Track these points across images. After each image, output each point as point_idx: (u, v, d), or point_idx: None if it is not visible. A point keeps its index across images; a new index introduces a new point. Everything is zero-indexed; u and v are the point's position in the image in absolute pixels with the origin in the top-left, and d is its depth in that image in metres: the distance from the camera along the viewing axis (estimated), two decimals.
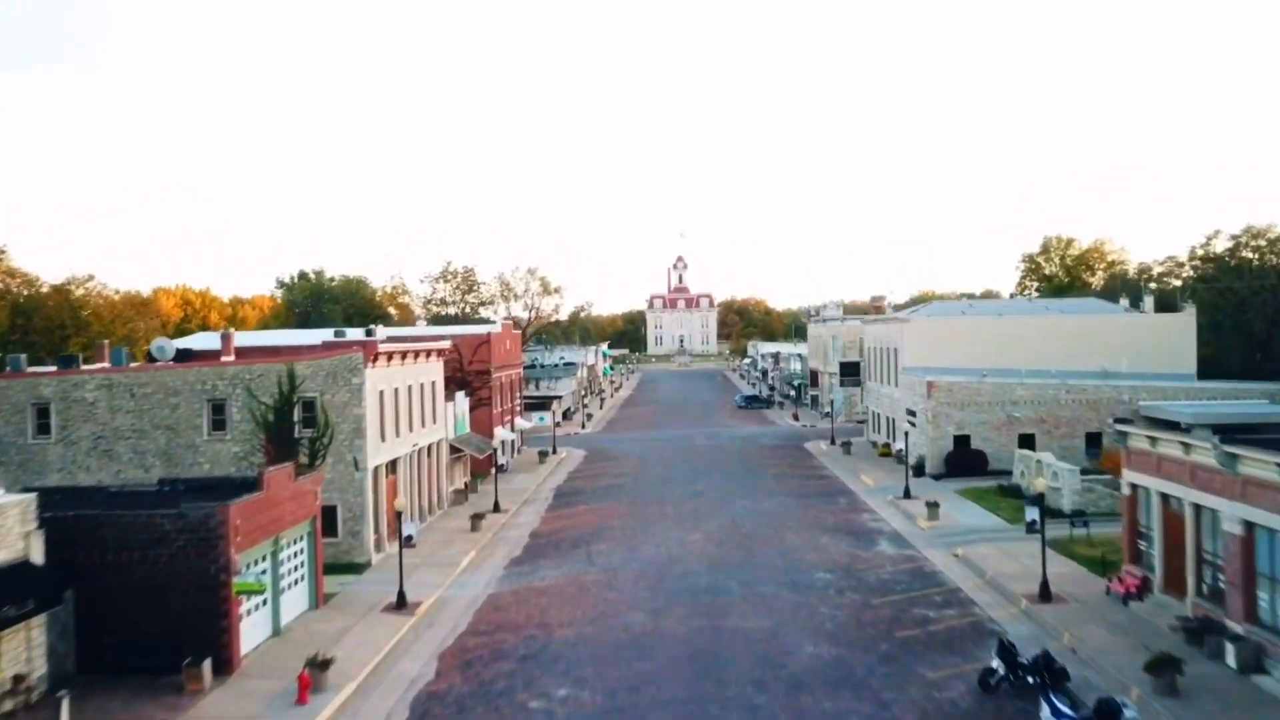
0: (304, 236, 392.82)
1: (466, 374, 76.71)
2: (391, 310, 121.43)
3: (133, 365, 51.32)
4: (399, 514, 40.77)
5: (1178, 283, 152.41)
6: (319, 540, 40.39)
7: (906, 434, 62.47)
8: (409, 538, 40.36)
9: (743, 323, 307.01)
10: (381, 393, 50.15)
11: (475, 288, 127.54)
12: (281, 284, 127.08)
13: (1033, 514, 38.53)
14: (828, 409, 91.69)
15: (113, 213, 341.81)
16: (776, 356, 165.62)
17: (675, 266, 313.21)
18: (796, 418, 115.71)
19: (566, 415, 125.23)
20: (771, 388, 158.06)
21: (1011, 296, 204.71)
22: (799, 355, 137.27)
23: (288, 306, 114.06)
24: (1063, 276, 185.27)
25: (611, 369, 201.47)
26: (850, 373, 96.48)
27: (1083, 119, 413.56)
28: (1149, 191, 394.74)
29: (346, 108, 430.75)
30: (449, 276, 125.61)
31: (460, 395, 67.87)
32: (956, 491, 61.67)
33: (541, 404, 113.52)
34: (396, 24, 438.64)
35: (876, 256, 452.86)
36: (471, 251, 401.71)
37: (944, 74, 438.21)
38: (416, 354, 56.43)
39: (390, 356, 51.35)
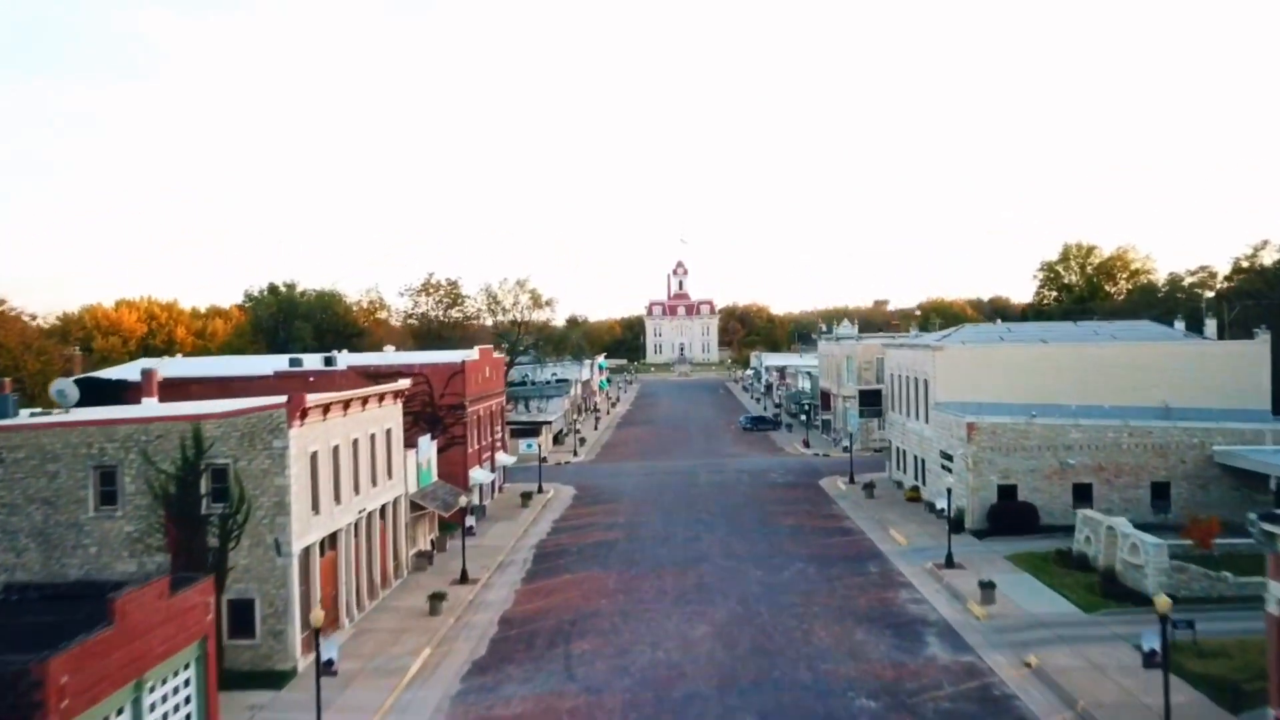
0: (298, 242, 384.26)
1: (437, 409, 67.40)
2: (369, 325, 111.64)
3: (7, 422, 41.93)
4: (317, 631, 31.32)
5: (1210, 294, 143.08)
6: (212, 666, 30.99)
7: (949, 492, 52.95)
8: (329, 662, 30.96)
9: (745, 330, 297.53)
10: (314, 454, 40.77)
11: (460, 301, 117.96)
12: (250, 298, 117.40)
13: (1152, 642, 29.01)
14: (845, 442, 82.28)
15: (78, 220, 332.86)
16: (782, 371, 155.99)
17: (675, 272, 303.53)
18: (807, 444, 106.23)
19: (557, 439, 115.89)
20: (778, 405, 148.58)
21: (1029, 307, 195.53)
22: (808, 373, 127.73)
23: (253, 324, 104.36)
24: (1083, 286, 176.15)
25: (608, 382, 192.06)
26: (871, 403, 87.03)
27: (1081, 118, 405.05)
28: (1150, 192, 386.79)
29: (344, 113, 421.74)
30: (431, 289, 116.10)
31: (424, 440, 58.41)
32: (1007, 557, 52.31)
33: (530, 430, 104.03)
34: (401, 31, 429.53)
35: (878, 259, 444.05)
36: (471, 253, 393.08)
37: (941, 74, 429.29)
38: (365, 400, 47.02)
39: (327, 409, 41.92)
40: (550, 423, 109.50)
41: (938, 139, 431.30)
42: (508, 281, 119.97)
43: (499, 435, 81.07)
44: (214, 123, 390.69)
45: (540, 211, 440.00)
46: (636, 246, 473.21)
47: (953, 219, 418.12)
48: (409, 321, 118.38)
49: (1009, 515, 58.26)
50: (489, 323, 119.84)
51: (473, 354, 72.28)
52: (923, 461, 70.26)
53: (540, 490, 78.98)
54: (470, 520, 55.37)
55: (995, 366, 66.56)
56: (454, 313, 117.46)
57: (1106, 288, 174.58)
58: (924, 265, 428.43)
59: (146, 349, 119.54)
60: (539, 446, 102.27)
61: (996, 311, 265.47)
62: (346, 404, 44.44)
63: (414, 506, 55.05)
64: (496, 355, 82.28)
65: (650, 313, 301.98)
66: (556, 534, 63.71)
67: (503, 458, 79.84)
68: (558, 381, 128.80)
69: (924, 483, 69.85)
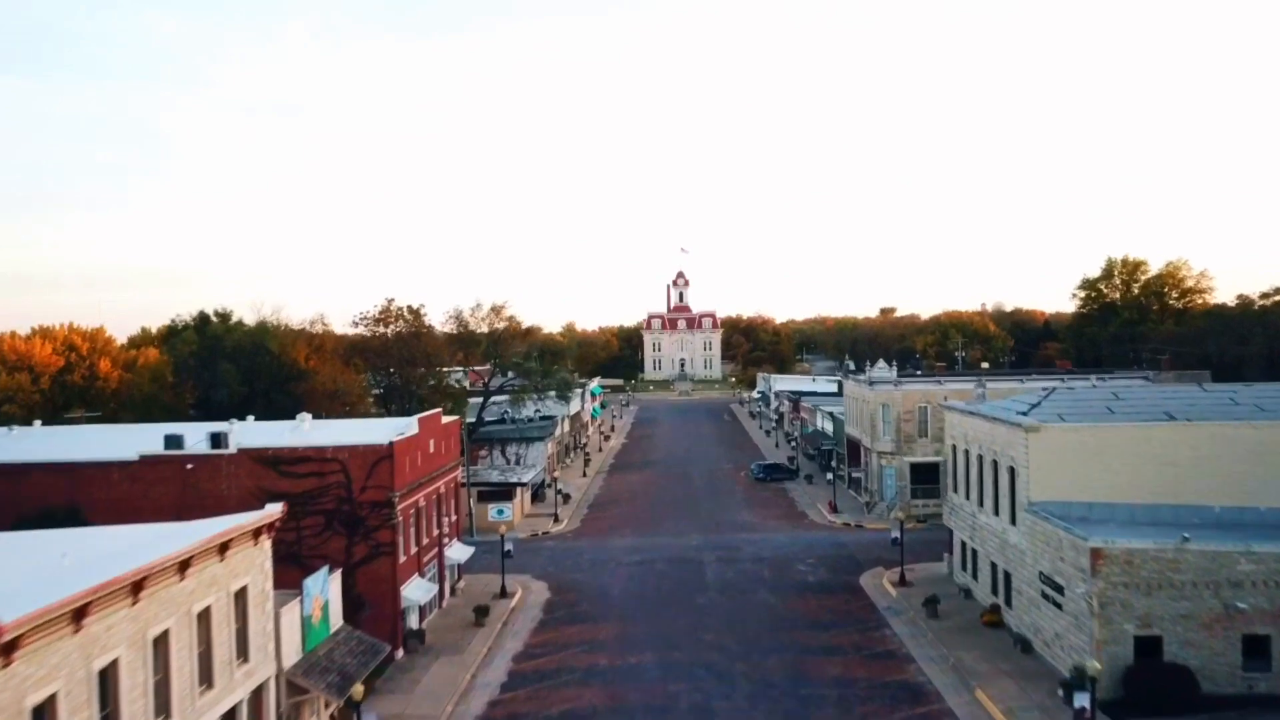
0: (294, 246, 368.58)
1: (357, 506, 50.10)
2: (313, 365, 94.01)
3: None
4: None
5: None
6: None
7: (1092, 685, 35.01)
8: None
9: (749, 344, 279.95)
10: (49, 701, 23.39)
11: (423, 333, 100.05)
12: (174, 330, 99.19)
13: None
14: (895, 534, 64.36)
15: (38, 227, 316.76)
16: (797, 403, 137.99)
17: (675, 283, 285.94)
18: (834, 509, 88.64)
19: (536, 495, 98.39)
20: (792, 444, 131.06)
21: (1065, 325, 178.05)
22: (830, 413, 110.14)
23: (174, 366, 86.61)
24: (1130, 306, 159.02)
25: (601, 409, 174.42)
26: (924, 479, 69.50)
27: (1079, 118, 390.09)
28: (1151, 192, 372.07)
29: (343, 118, 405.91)
30: (389, 319, 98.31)
31: (316, 578, 40.81)
32: None
33: (502, 493, 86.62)
34: (403, 35, 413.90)
35: (880, 262, 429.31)
36: (469, 257, 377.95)
37: (940, 77, 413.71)
38: (186, 564, 29.53)
39: (81, 612, 24.47)
40: (525, 484, 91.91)
41: (937, 140, 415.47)
42: (481, 308, 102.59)
43: (452, 521, 63.66)
44: (210, 126, 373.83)
45: (539, 217, 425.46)
46: (636, 255, 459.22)
47: (953, 221, 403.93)
48: (366, 357, 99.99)
49: (1154, 682, 40.92)
50: (451, 332, 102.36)
51: (411, 427, 54.78)
52: (1005, 574, 52.87)
53: (503, 593, 61.56)
54: (396, 657, 37.88)
55: (1109, 453, 49.13)
56: (417, 344, 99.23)
57: (1155, 308, 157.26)
58: (927, 269, 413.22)
59: (63, 386, 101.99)
60: (515, 509, 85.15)
61: (1018, 325, 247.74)
62: (138, 585, 26.96)
63: (295, 688, 37.61)
64: (447, 420, 64.61)
65: (649, 326, 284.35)
66: (513, 688, 46.14)
67: (456, 552, 62.36)
68: (541, 419, 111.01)
69: (1008, 602, 52.49)
